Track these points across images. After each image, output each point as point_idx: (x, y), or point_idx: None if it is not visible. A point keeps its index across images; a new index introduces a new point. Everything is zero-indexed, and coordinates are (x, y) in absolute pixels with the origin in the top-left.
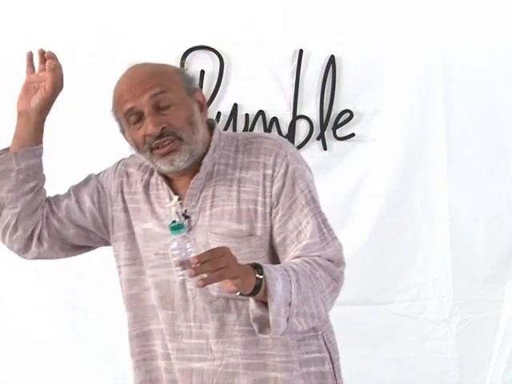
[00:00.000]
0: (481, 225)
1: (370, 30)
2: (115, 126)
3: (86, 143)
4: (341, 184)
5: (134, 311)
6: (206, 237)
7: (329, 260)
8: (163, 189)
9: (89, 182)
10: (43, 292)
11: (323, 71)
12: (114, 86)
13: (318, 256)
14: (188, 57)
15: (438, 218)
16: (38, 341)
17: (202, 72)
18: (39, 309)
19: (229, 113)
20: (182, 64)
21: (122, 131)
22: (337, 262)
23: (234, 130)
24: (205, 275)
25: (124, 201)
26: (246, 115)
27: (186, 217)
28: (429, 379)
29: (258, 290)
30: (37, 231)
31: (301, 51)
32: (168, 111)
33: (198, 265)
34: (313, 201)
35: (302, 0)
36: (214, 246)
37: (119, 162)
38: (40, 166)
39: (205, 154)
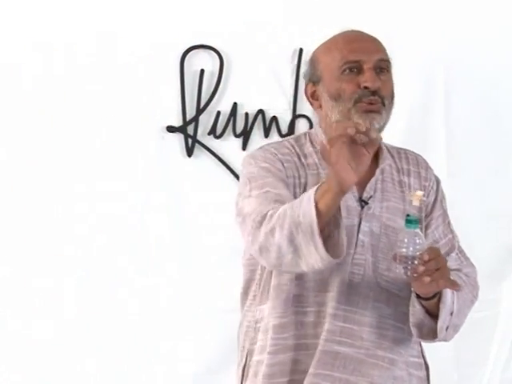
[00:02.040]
0: (479, 224)
1: (369, 30)
2: (114, 126)
3: (85, 143)
4: None
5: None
6: (381, 227)
7: (467, 276)
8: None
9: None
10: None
11: None
12: (334, 37)
13: (458, 270)
14: (188, 56)
15: None
16: (38, 341)
17: (202, 71)
18: (39, 308)
19: (228, 112)
20: (183, 63)
21: (315, 82)
22: (472, 281)
23: (234, 129)
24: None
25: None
26: (246, 114)
27: (365, 202)
28: None
29: (436, 295)
30: None
31: (301, 50)
32: (384, 77)
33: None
34: (451, 223)
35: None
36: (391, 237)
37: (266, 152)
38: None
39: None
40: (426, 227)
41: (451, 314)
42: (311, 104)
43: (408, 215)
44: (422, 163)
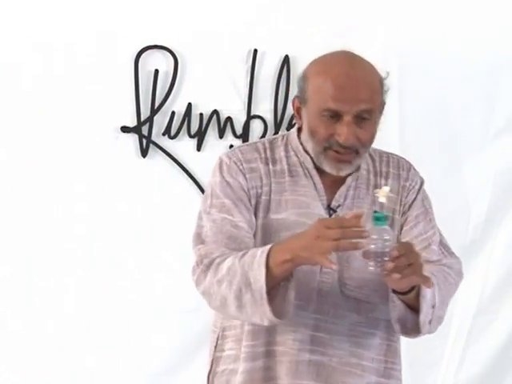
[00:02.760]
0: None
1: (324, 30)
2: (68, 126)
3: (40, 144)
4: None
5: None
6: None
7: (449, 266)
8: (305, 176)
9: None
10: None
11: (277, 71)
12: (328, 65)
13: (439, 260)
14: (142, 56)
15: None
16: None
17: (156, 71)
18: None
19: (183, 112)
20: (137, 63)
21: (301, 101)
22: (456, 271)
23: (189, 129)
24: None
25: (255, 196)
26: (201, 115)
27: (333, 211)
28: None
29: (412, 290)
30: None
31: (255, 51)
32: (364, 125)
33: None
34: (435, 220)
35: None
36: None
37: (231, 160)
38: None
39: None
40: (405, 224)
41: (433, 306)
42: (295, 116)
43: (375, 212)
44: (404, 165)
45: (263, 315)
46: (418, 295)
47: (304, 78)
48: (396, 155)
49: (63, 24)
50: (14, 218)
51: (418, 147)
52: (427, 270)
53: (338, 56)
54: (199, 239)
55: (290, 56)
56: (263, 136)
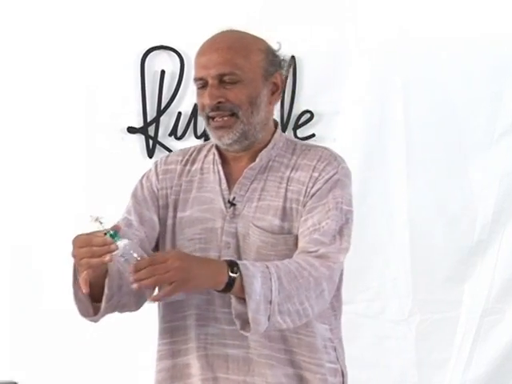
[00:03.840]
0: (440, 225)
1: (330, 31)
2: (76, 127)
3: (46, 144)
4: None
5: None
6: (247, 227)
7: (325, 257)
8: (213, 172)
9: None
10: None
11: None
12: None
13: (315, 251)
14: (148, 57)
15: (398, 219)
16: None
17: (163, 72)
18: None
19: (189, 113)
20: (143, 64)
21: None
22: (332, 260)
23: (195, 130)
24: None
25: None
26: None
27: (233, 204)
28: (388, 379)
29: (231, 287)
30: None
31: None
32: (231, 86)
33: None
34: (341, 211)
35: (262, 0)
36: (252, 237)
37: (155, 164)
38: None
39: (263, 147)
40: (303, 215)
41: (270, 302)
42: None
43: (105, 233)
44: (324, 157)
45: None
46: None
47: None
48: (324, 148)
49: (69, 25)
50: (20, 220)
51: (424, 149)
52: (271, 263)
53: (214, 34)
54: None
55: (295, 57)
56: None
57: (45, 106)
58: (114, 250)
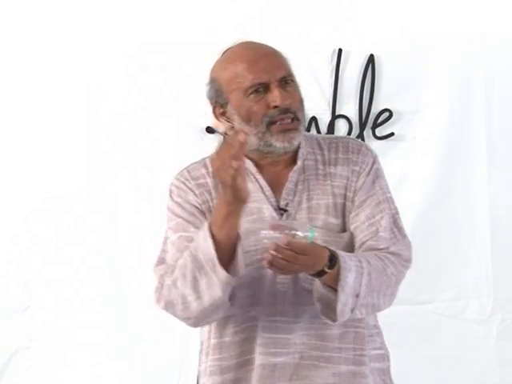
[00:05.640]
0: None
1: (409, 29)
2: (154, 128)
3: (126, 145)
4: None
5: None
6: None
7: (397, 254)
8: (250, 181)
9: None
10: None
11: (362, 70)
12: (231, 55)
13: (387, 248)
14: None
15: (479, 217)
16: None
17: None
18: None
19: None
20: None
21: (221, 104)
22: (405, 258)
23: None
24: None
25: (208, 210)
26: None
27: (284, 210)
28: (469, 379)
29: (323, 274)
30: None
31: (340, 50)
32: (291, 89)
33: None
34: (390, 201)
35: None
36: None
37: (179, 181)
38: None
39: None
40: (353, 210)
41: (357, 296)
42: (221, 123)
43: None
44: (354, 147)
45: (218, 282)
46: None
47: (212, 81)
48: (346, 138)
49: (141, 27)
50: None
51: (506, 146)
52: (362, 257)
53: (234, 46)
54: (159, 261)
55: (374, 55)
56: (348, 135)
57: (124, 108)
58: (244, 142)
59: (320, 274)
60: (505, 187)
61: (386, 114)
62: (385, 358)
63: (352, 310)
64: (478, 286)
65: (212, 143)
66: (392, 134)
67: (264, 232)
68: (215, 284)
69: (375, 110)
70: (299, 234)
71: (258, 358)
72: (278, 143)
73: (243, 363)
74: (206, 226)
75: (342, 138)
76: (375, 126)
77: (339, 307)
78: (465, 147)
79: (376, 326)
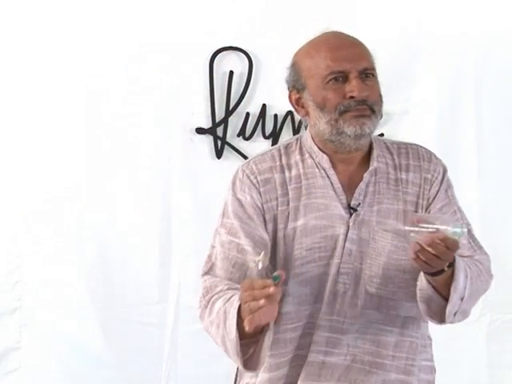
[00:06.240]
0: (510, 223)
1: (397, 30)
2: (143, 128)
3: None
4: None
5: None
6: (372, 232)
7: (482, 263)
8: (321, 176)
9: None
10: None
11: None
12: (316, 42)
13: (471, 256)
14: (217, 57)
15: (468, 218)
16: (67, 341)
17: (231, 73)
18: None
19: (258, 113)
20: (212, 65)
21: (299, 89)
22: (488, 268)
23: (263, 130)
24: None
25: (271, 209)
26: (275, 116)
27: (354, 210)
28: (458, 379)
29: (439, 274)
30: None
31: None
32: (370, 83)
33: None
34: (462, 211)
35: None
36: (381, 242)
37: (244, 174)
38: None
39: (366, 150)
40: None
41: (461, 299)
42: (296, 111)
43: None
44: (425, 155)
45: (242, 365)
46: (449, 282)
47: (294, 65)
48: (415, 145)
49: (141, 27)
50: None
51: (496, 148)
52: (464, 262)
53: (319, 34)
54: (208, 263)
55: None
56: None
57: (113, 107)
58: (272, 294)
59: (436, 272)
60: (495, 186)
61: None
62: (432, 370)
63: (455, 314)
64: None
65: (201, 143)
66: (381, 135)
67: (407, 228)
68: (239, 363)
69: None
70: (449, 229)
71: (310, 356)
72: (350, 129)
73: (295, 360)
74: (234, 310)
75: (410, 144)
76: None
77: (449, 308)
78: (455, 148)
79: (429, 337)
